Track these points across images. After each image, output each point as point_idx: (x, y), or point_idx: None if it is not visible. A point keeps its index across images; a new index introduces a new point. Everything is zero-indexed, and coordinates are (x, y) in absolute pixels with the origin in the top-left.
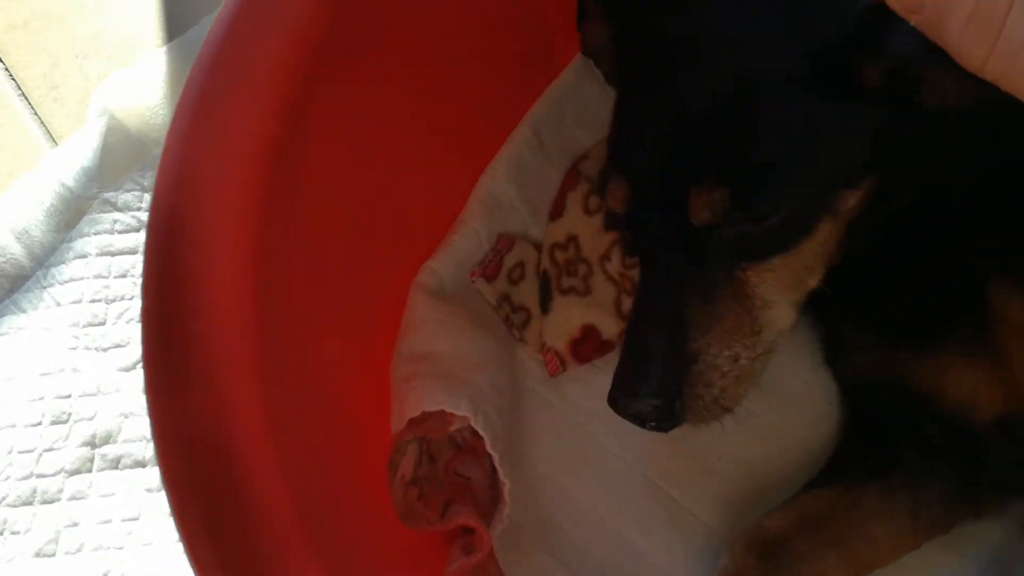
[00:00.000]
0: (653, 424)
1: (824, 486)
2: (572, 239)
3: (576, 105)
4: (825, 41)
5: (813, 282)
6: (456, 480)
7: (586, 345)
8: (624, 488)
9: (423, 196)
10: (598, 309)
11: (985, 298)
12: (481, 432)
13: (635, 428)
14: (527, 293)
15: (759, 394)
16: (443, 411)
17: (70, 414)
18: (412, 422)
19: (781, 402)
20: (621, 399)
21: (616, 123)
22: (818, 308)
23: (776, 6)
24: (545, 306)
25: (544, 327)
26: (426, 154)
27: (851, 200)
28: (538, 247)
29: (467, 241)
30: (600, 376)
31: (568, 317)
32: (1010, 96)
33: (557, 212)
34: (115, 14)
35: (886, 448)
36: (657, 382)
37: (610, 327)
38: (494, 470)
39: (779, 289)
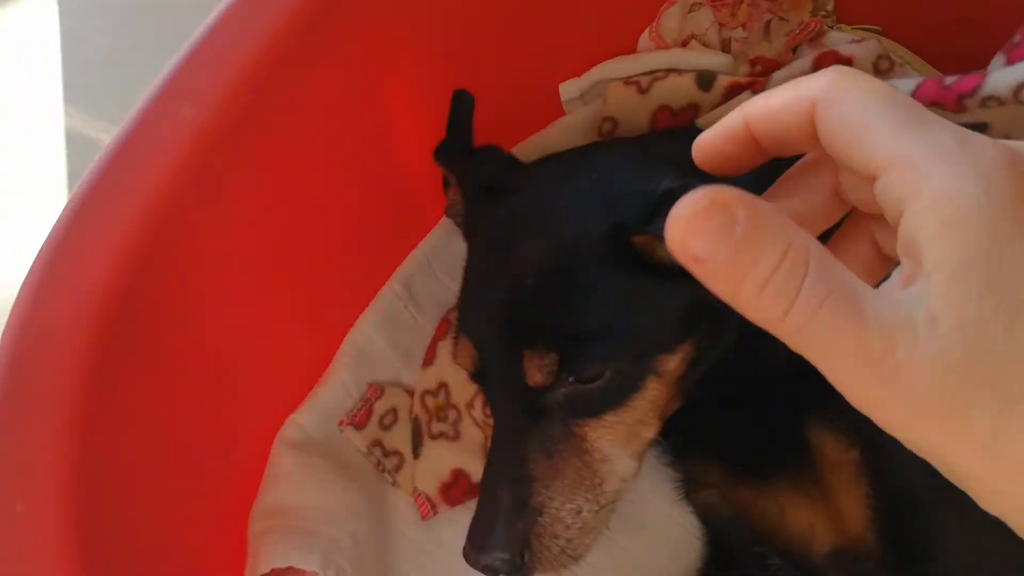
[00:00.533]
0: (503, 575)
1: None
2: (442, 386)
3: (445, 258)
4: (627, 222)
5: (649, 434)
6: None
7: (456, 488)
8: None
9: (289, 353)
10: (468, 454)
11: (804, 437)
12: None
13: None
14: (400, 438)
15: (626, 527)
16: (291, 568)
17: None
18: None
19: (645, 535)
20: (471, 552)
21: (464, 285)
22: (674, 447)
23: (592, 191)
24: (416, 451)
25: (416, 472)
26: (293, 311)
27: (671, 363)
28: (411, 392)
29: (334, 392)
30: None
31: (439, 462)
32: None
33: (428, 360)
34: None
35: (738, 574)
36: (504, 536)
37: (479, 470)
38: None
39: (616, 442)
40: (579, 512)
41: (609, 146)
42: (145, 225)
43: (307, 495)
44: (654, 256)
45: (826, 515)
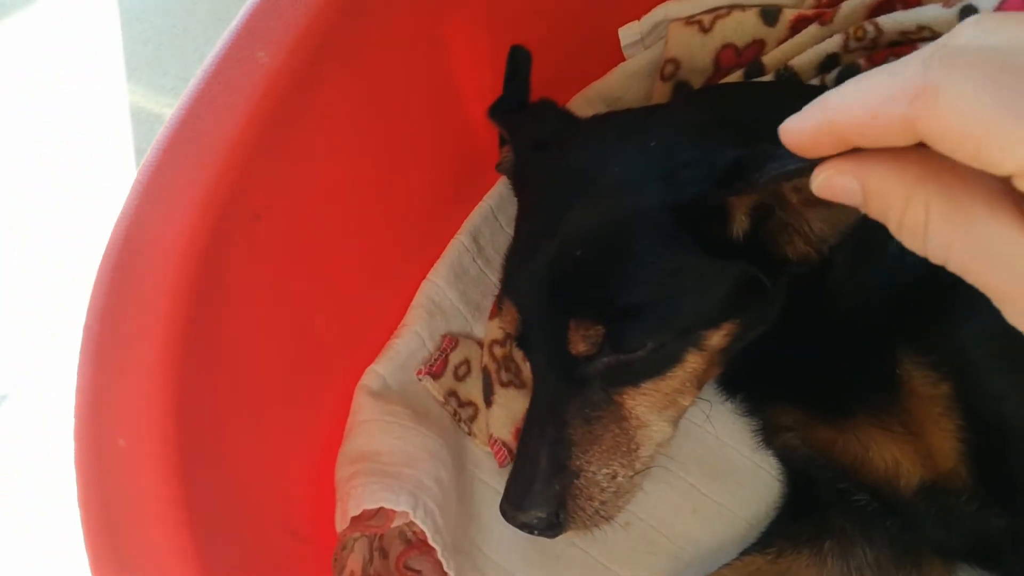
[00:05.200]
0: (539, 532)
1: (755, 552)
2: (509, 336)
3: (511, 210)
4: (688, 195)
5: (686, 401)
6: (407, 574)
7: None
8: (576, 573)
9: (365, 306)
10: None
11: (893, 371)
12: (421, 525)
13: None
14: (473, 389)
15: (705, 473)
16: (383, 508)
17: None
18: (354, 520)
19: (729, 483)
20: (509, 510)
21: (512, 245)
22: (751, 394)
23: (650, 158)
24: (488, 400)
25: (490, 419)
26: (367, 263)
27: (714, 338)
28: (481, 344)
29: (410, 344)
30: None
31: (510, 408)
32: None
33: (495, 311)
34: None
35: (819, 517)
36: (541, 496)
37: None
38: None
39: (653, 409)
40: (614, 476)
41: (670, 110)
42: (228, 167)
43: (389, 440)
44: (717, 230)
45: (913, 451)
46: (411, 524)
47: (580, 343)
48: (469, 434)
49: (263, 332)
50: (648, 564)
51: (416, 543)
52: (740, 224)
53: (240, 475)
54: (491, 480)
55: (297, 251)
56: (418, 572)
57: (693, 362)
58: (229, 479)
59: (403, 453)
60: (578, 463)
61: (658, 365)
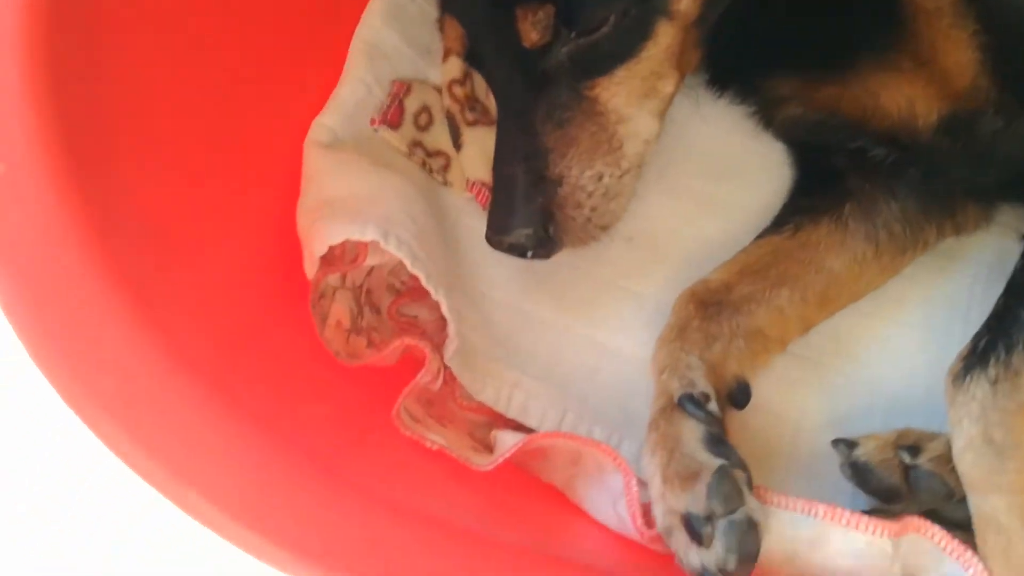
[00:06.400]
0: (532, 253)
1: (769, 234)
2: (468, 75)
3: None
4: None
5: (668, 88)
6: (403, 321)
7: None
8: (585, 295)
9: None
10: None
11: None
12: (395, 252)
13: None
14: (440, 137)
15: (713, 177)
16: (352, 242)
17: None
18: (324, 262)
19: (735, 178)
20: (494, 236)
21: None
22: (741, 74)
23: None
24: (457, 143)
25: (464, 163)
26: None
27: (682, 1)
28: (439, 89)
29: (355, 91)
30: None
31: (482, 146)
32: None
33: (448, 50)
34: None
35: (835, 186)
36: (525, 212)
37: None
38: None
39: (632, 100)
40: (600, 178)
41: None
42: None
43: (348, 183)
44: None
45: (925, 83)
46: (397, 273)
47: (532, 31)
48: (445, 184)
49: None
50: (658, 273)
51: (406, 291)
52: None
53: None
54: (478, 224)
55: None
56: (414, 318)
57: (665, 35)
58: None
59: (365, 194)
60: (557, 170)
61: (627, 44)
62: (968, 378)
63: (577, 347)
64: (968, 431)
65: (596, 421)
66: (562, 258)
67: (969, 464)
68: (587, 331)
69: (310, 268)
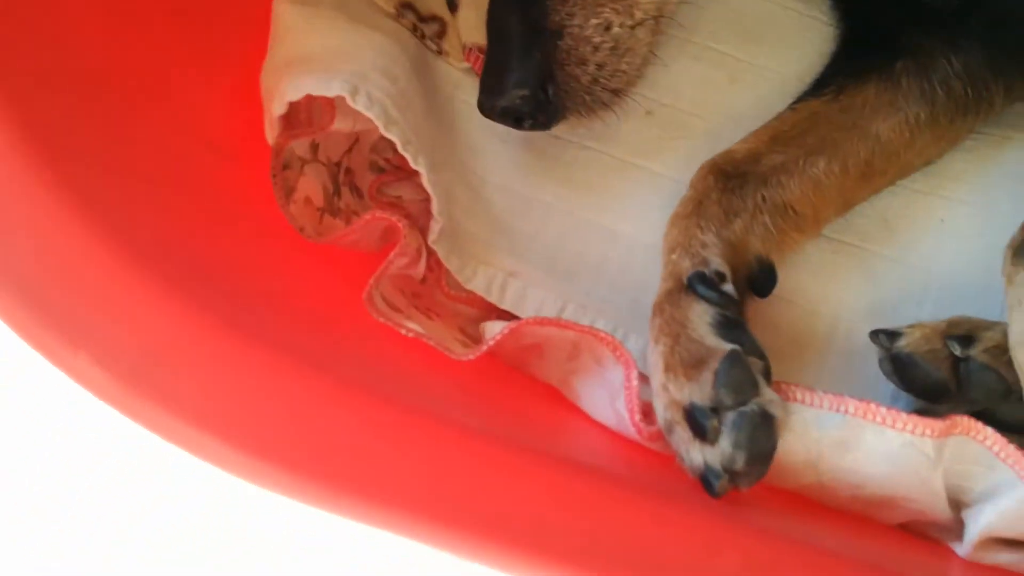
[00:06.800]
0: (531, 121)
1: (808, 98)
2: None
3: None
4: None
5: None
6: (384, 201)
7: None
8: (593, 177)
9: None
10: None
11: None
12: (364, 111)
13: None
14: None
15: (745, 40)
16: (317, 101)
17: None
18: (285, 122)
19: (770, 42)
20: (487, 100)
21: None
22: None
23: None
24: (453, 2)
25: (460, 26)
26: None
27: None
28: None
29: None
30: None
31: (482, 6)
32: None
33: None
34: None
35: (886, 43)
36: (520, 70)
37: None
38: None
39: None
40: (608, 28)
41: None
42: None
43: (321, 40)
44: None
45: None
46: (379, 149)
47: None
48: (440, 53)
49: None
50: (679, 150)
51: (391, 170)
52: None
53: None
54: (475, 99)
55: None
56: (397, 198)
57: None
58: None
59: (338, 51)
60: (557, 18)
61: None
62: None
63: (584, 234)
64: None
65: (600, 313)
66: (571, 137)
67: None
68: (596, 216)
69: (270, 132)
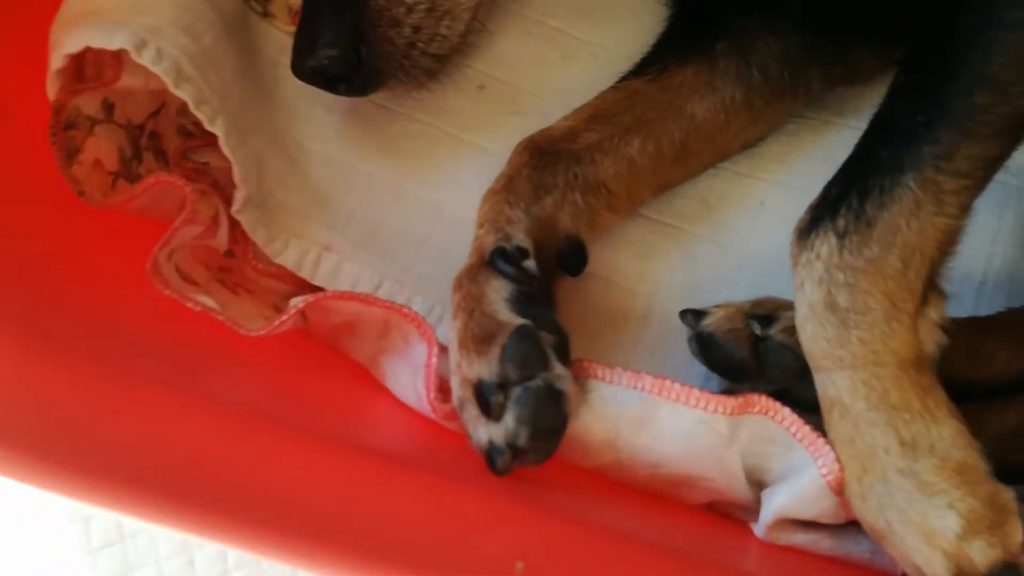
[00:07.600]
0: (344, 84)
1: (630, 77)
2: None
3: None
4: None
5: None
6: (188, 167)
7: None
8: (420, 150)
9: None
10: None
11: None
12: (152, 68)
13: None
14: None
15: (578, 16)
16: (104, 56)
17: None
18: (65, 77)
19: (603, 18)
20: (298, 60)
21: None
22: None
23: None
24: None
25: None
26: None
27: None
28: None
29: None
30: None
31: None
32: None
33: None
34: None
35: (711, 23)
36: (331, 31)
37: None
38: None
39: None
40: None
41: None
42: None
43: None
44: None
45: None
46: (186, 113)
47: None
48: (265, 15)
49: None
50: (511, 127)
51: (199, 134)
52: None
53: None
54: None
55: None
56: (204, 164)
57: None
58: None
59: (134, 4)
60: None
61: None
62: (814, 233)
63: (407, 208)
64: (809, 296)
65: (418, 290)
66: (399, 107)
67: (810, 336)
68: (420, 190)
69: (50, 88)
